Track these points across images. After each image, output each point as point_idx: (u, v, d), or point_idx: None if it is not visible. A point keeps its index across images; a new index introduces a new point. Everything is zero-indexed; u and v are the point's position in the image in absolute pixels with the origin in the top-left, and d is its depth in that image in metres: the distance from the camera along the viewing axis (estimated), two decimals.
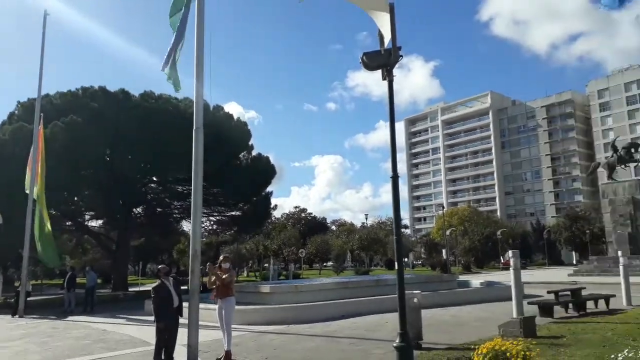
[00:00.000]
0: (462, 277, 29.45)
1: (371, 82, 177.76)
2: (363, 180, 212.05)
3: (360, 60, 5.04)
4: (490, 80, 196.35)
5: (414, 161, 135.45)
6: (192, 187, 8.02)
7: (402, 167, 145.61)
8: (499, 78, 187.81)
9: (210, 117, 29.17)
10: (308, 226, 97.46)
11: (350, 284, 17.37)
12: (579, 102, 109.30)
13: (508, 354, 5.19)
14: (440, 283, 19.43)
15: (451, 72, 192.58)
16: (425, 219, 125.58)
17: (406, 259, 77.21)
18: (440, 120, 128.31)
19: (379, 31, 5.03)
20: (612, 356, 4.09)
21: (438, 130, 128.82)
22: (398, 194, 4.87)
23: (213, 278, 8.08)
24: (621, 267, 13.98)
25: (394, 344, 4.65)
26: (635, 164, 37.94)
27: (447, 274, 36.33)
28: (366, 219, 73.63)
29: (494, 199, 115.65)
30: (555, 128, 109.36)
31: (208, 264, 8.73)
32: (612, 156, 38.75)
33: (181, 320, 7.32)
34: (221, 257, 8.40)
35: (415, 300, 8.37)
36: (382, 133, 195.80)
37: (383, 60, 4.94)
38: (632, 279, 25.90)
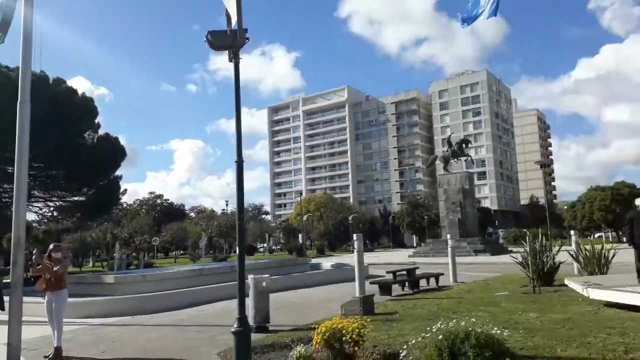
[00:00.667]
0: (315, 260, 30.61)
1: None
2: (225, 166, 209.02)
3: (206, 39, 4.85)
4: (348, 75, 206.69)
5: (277, 149, 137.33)
6: (15, 167, 7.03)
7: (264, 155, 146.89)
8: (356, 73, 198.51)
9: (48, 90, 26.09)
10: (164, 213, 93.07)
11: (205, 271, 16.99)
12: (423, 101, 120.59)
13: (344, 332, 5.49)
14: (294, 266, 20.02)
15: (312, 65, 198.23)
16: (285, 205, 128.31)
17: (265, 244, 78.19)
18: (301, 111, 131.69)
19: (226, 11, 4.89)
20: (428, 328, 4.55)
21: (299, 120, 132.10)
22: (242, 179, 4.82)
23: (39, 266, 7.24)
24: (449, 249, 15.79)
25: (232, 329, 4.62)
26: (465, 157, 43.09)
27: (301, 257, 37.52)
28: (227, 205, 72.57)
29: (347, 186, 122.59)
30: (402, 123, 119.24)
31: (34, 250, 7.78)
32: (447, 150, 43.53)
33: (3, 316, 6.44)
34: (51, 246, 7.54)
35: (264, 284, 8.46)
36: (244, 119, 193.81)
37: (229, 41, 4.80)
38: (459, 259, 29.33)
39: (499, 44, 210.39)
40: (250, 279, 8.59)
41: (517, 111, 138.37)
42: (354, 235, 9.87)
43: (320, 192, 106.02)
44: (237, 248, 4.83)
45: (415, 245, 65.65)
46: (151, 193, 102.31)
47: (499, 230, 76.77)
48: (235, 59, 4.91)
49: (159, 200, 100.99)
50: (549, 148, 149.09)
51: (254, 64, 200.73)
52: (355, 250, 9.67)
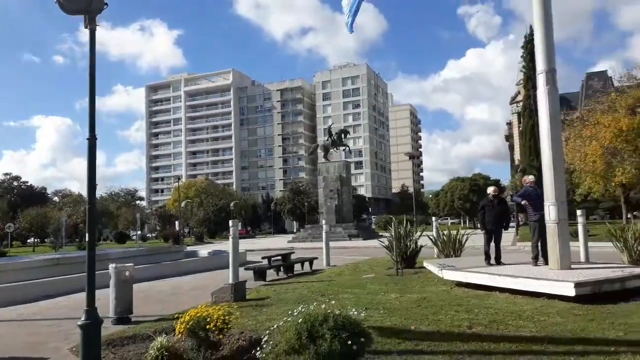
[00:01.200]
0: (192, 248, 29.77)
1: (109, 39, 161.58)
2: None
3: (56, 0, 4.31)
4: (233, 58, 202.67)
5: (155, 130, 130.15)
6: None
7: (141, 136, 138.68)
8: (241, 57, 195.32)
9: None
10: (22, 197, 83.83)
11: (64, 261, 15.53)
12: (307, 90, 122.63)
13: (209, 319, 5.33)
14: (167, 254, 19.18)
15: (195, 44, 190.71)
16: (163, 190, 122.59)
17: (139, 231, 74.03)
18: (183, 91, 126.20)
19: None
20: (290, 312, 4.60)
21: (181, 101, 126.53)
22: (94, 159, 4.39)
23: None
24: (324, 234, 16.25)
25: (78, 322, 4.21)
26: (344, 147, 44.73)
27: (178, 245, 36.21)
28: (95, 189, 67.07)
29: (231, 172, 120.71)
30: (287, 111, 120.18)
31: None
32: (328, 140, 44.83)
33: None
34: None
35: (127, 273, 7.95)
36: (120, 98, 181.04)
37: (83, 5, 4.31)
38: (334, 244, 30.38)
39: (378, 40, 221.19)
40: (111, 268, 8.01)
41: (392, 105, 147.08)
42: (230, 222, 9.68)
43: (202, 177, 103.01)
44: (87, 234, 4.40)
45: (295, 231, 66.89)
46: (7, 174, 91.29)
47: (372, 217, 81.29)
48: (91, 25, 4.43)
49: (15, 183, 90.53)
50: (419, 141, 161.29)
51: (132, 39, 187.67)
52: (230, 237, 9.49)
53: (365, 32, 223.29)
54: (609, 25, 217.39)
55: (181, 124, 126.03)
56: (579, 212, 12.59)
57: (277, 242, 40.22)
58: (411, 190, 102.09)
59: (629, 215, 40.66)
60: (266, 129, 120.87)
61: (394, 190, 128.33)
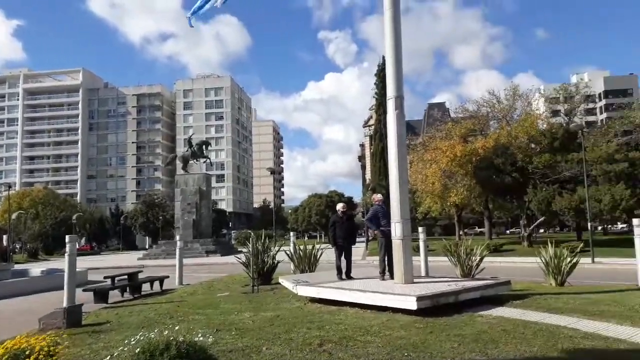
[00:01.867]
0: (24, 266, 26.41)
1: None
2: None
3: None
4: (85, 58, 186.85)
5: None
6: None
7: None
8: (94, 57, 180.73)
9: None
10: None
11: None
12: (167, 98, 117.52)
13: (29, 352, 4.58)
14: None
15: (39, 38, 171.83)
16: None
17: None
18: (21, 89, 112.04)
19: None
20: (126, 341, 4.13)
21: (18, 99, 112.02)
22: None
23: None
24: (177, 250, 15.39)
25: None
26: (205, 159, 43.52)
27: (5, 262, 31.53)
28: None
29: (75, 181, 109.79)
30: (144, 118, 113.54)
31: None
32: (188, 150, 43.27)
33: None
34: None
35: None
36: None
37: None
38: (191, 260, 29.23)
39: (243, 54, 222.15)
40: None
41: (256, 120, 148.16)
42: (67, 237, 8.59)
43: (40, 185, 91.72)
44: None
45: (147, 247, 62.92)
46: None
47: (232, 232, 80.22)
48: None
49: None
50: (281, 157, 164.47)
51: None
52: (66, 254, 8.42)
53: (229, 45, 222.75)
54: (446, 63, 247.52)
55: (17, 124, 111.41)
56: (420, 229, 13.73)
57: (127, 260, 37.40)
58: (272, 205, 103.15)
59: (461, 232, 45.91)
60: (119, 135, 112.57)
61: (255, 205, 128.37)
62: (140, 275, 13.79)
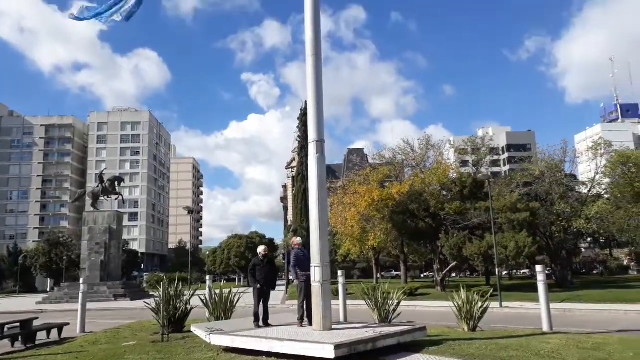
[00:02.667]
0: None
1: None
2: None
3: None
4: None
5: None
6: None
7: None
8: None
9: None
10: None
11: None
12: (79, 130, 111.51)
13: None
14: None
15: None
16: None
17: None
18: None
19: None
20: None
21: None
22: None
23: None
24: (80, 294, 14.16)
25: None
26: (117, 196, 41.17)
27: None
28: None
29: None
30: (52, 150, 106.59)
31: None
32: (98, 186, 40.87)
33: None
34: None
35: None
36: None
37: None
38: (97, 305, 27.12)
39: (161, 89, 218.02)
40: None
41: (175, 157, 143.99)
42: None
43: None
44: None
45: (48, 290, 57.64)
46: None
47: (144, 274, 75.74)
48: None
49: None
50: (201, 196, 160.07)
51: None
52: None
53: (147, 79, 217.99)
54: (364, 112, 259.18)
55: None
56: (339, 272, 13.78)
57: (23, 304, 34.00)
58: (189, 246, 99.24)
59: (378, 275, 46.79)
60: (22, 167, 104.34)
61: (170, 246, 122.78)
62: (37, 322, 12.49)
